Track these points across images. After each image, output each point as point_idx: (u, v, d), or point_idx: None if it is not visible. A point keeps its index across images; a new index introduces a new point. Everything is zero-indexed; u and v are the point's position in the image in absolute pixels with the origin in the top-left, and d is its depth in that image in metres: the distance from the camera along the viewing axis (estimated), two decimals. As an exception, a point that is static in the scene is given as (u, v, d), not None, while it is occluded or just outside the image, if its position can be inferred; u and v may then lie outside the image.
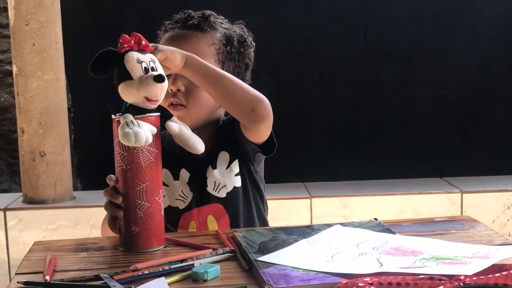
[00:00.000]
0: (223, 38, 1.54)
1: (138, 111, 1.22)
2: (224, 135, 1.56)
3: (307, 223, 2.62)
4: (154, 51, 1.28)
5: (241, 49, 1.58)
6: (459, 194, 2.80)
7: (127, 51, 1.23)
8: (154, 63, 1.25)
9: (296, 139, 3.15)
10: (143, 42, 1.25)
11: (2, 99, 3.24)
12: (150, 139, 1.20)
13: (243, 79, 1.59)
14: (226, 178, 1.52)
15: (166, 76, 1.43)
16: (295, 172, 3.13)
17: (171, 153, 1.51)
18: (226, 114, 1.62)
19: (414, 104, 3.23)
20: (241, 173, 1.54)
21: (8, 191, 3.23)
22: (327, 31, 3.17)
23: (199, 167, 1.53)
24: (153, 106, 1.24)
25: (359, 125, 3.22)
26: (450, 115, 3.22)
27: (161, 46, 1.31)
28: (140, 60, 1.22)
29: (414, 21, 3.17)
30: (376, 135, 3.22)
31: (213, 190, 1.52)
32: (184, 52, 1.35)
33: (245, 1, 3.07)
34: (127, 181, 1.23)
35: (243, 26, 1.62)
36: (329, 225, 1.33)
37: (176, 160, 1.53)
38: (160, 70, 1.25)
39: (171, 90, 1.48)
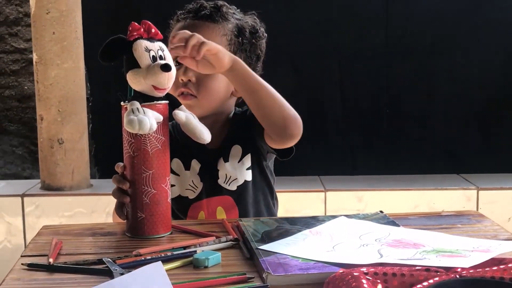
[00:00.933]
0: (235, 29, 1.54)
1: (145, 98, 1.24)
2: (237, 127, 1.56)
3: (321, 216, 2.62)
4: (203, 43, 1.28)
5: (253, 40, 1.58)
6: (475, 191, 2.78)
7: (136, 39, 1.24)
8: (162, 52, 1.25)
9: (314, 133, 3.15)
10: (153, 30, 1.26)
11: (26, 87, 3.28)
12: (155, 127, 1.21)
13: (254, 70, 1.60)
14: (237, 171, 1.53)
15: (177, 66, 1.45)
16: (312, 166, 3.13)
17: (183, 143, 1.52)
18: (239, 105, 1.63)
19: (434, 100, 3.21)
20: (252, 167, 1.54)
21: (30, 178, 3.27)
22: (347, 24, 3.16)
23: (210, 158, 1.54)
24: (161, 94, 1.25)
25: (378, 120, 3.21)
26: (470, 112, 3.20)
27: (212, 42, 1.32)
28: (148, 49, 1.23)
29: (436, 16, 3.15)
30: (395, 130, 3.21)
31: (224, 182, 1.53)
32: (233, 55, 1.36)
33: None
34: (134, 168, 1.25)
35: (256, 17, 1.62)
36: (334, 217, 1.34)
37: (187, 151, 1.54)
38: (169, 59, 1.26)
39: (182, 80, 1.48)
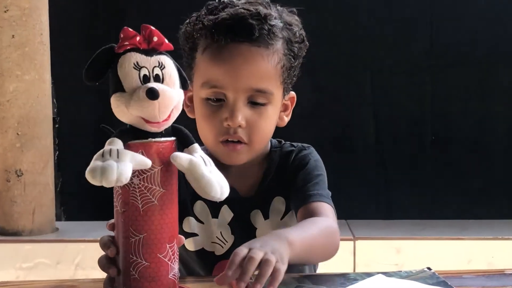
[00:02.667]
0: (285, 49, 1.48)
1: (138, 134, 1.09)
2: (277, 172, 1.53)
3: (349, 271, 2.61)
4: (280, 272, 1.14)
5: (299, 53, 1.56)
6: (545, 242, 2.78)
7: (126, 51, 1.10)
8: (162, 69, 1.11)
9: (339, 165, 3.14)
10: (155, 38, 1.11)
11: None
12: (126, 178, 1.04)
13: (293, 82, 1.58)
14: None
15: (217, 103, 1.41)
16: (337, 207, 3.11)
17: None
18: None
19: (491, 123, 3.22)
20: None
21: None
22: (382, 29, 3.18)
23: (245, 208, 1.51)
24: (155, 129, 1.09)
25: (420, 150, 3.22)
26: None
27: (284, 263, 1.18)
28: (140, 65, 1.09)
29: (490, 19, 3.17)
30: (442, 163, 3.22)
31: None
32: (281, 246, 1.21)
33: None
34: (121, 229, 1.11)
35: (297, 18, 1.57)
36: (369, 274, 1.32)
37: None
38: (170, 80, 1.11)
39: (228, 125, 1.42)
